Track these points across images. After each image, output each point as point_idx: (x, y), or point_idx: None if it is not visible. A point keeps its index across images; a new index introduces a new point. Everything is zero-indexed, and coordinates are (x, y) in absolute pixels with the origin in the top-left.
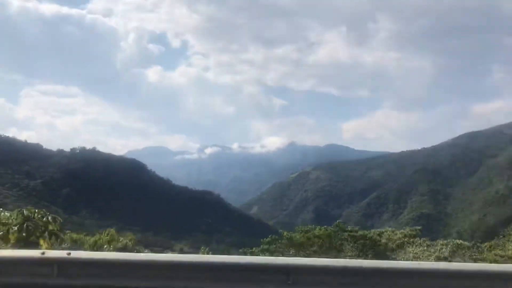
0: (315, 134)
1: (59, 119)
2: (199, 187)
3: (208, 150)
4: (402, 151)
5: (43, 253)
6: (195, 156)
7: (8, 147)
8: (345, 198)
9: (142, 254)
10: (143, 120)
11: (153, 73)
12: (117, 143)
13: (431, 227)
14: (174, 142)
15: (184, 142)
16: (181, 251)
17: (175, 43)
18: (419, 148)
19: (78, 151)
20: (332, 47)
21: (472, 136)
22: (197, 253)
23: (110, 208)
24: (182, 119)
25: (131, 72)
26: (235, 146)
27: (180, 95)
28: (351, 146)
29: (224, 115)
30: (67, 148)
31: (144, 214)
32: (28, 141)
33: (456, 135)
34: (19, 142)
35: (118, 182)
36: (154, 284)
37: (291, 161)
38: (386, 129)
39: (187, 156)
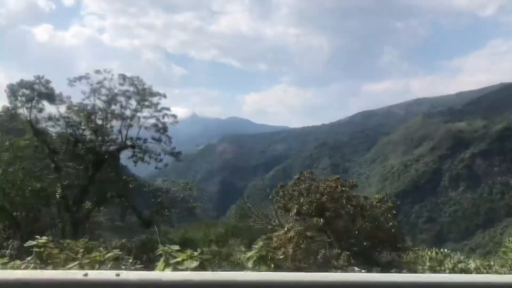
0: (216, 106)
1: None
2: None
3: None
4: (303, 127)
5: (85, 275)
6: None
7: None
8: (250, 170)
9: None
10: None
11: (42, 32)
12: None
13: None
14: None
15: None
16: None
17: (68, 1)
18: (319, 124)
19: None
20: (235, 18)
21: (366, 115)
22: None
23: None
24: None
25: (17, 29)
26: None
27: (71, 57)
28: (252, 120)
29: None
30: None
31: None
32: None
33: (352, 113)
34: None
35: None
36: None
37: (192, 132)
38: (284, 104)
39: None
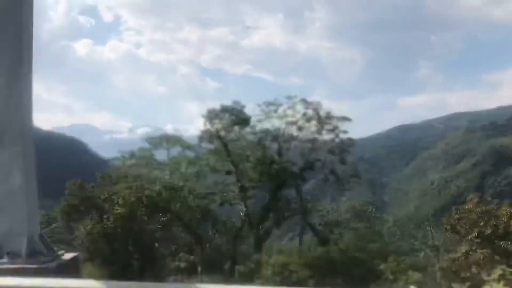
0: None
1: None
2: None
3: (140, 131)
4: None
5: None
6: (125, 136)
7: None
8: None
9: None
10: (68, 96)
11: (81, 47)
12: (38, 118)
13: (369, 214)
14: (101, 120)
15: (112, 121)
16: None
17: (107, 17)
18: (356, 138)
19: None
20: (268, 33)
21: (403, 129)
22: None
23: (50, 188)
24: (110, 97)
25: (58, 44)
26: (168, 127)
27: (109, 72)
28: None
29: (156, 95)
30: None
31: None
32: None
33: (388, 127)
34: None
35: (56, 160)
36: None
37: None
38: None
39: (116, 136)
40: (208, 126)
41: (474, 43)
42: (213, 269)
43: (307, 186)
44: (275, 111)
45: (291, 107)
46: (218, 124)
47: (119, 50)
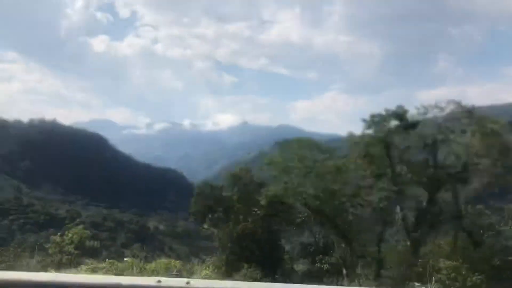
0: (265, 114)
1: None
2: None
3: (157, 126)
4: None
5: (159, 281)
6: (143, 131)
7: None
8: None
9: None
10: (86, 91)
11: (99, 43)
12: (58, 114)
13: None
14: (119, 116)
15: (130, 116)
16: (156, 230)
17: (124, 12)
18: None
19: (36, 122)
20: (285, 27)
21: (426, 123)
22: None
23: (73, 182)
24: (127, 92)
25: (76, 40)
26: (186, 122)
27: (126, 67)
28: (302, 127)
29: (173, 90)
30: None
31: (108, 190)
32: None
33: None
34: None
35: (80, 156)
36: None
37: (242, 140)
38: (335, 111)
39: (134, 131)
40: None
41: (495, 35)
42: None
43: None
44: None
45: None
46: (383, 128)
47: (136, 46)
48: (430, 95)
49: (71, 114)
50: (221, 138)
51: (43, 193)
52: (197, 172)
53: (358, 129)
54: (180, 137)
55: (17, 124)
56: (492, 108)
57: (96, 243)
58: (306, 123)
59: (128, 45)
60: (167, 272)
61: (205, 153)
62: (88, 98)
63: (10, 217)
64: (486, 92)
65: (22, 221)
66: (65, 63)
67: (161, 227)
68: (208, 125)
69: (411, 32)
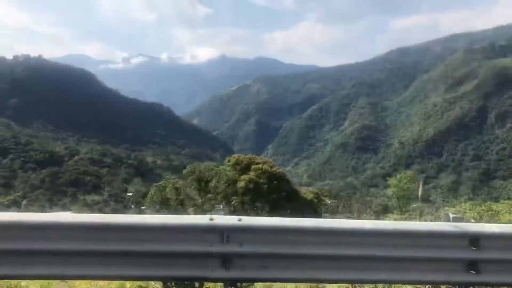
0: (242, 46)
1: None
2: None
3: (135, 60)
4: (337, 65)
5: (211, 219)
6: (121, 65)
7: None
8: (285, 110)
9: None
10: (56, 25)
11: None
12: (30, 50)
13: (373, 137)
14: (93, 50)
15: (106, 51)
16: (154, 164)
17: None
18: (353, 62)
19: (21, 59)
20: None
21: (401, 52)
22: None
23: (63, 119)
24: (99, 25)
25: None
26: (163, 56)
27: None
28: (280, 59)
29: (146, 22)
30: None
31: (98, 125)
32: None
33: (384, 50)
34: None
35: (67, 91)
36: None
37: (221, 73)
38: (311, 42)
39: (111, 66)
40: None
41: None
42: None
43: None
44: None
45: None
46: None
47: None
48: (405, 23)
49: (43, 49)
50: (199, 71)
51: (33, 130)
52: (177, 106)
53: (336, 59)
54: (158, 71)
55: (2, 61)
56: (470, 35)
57: None
58: (283, 55)
59: None
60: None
61: (184, 87)
62: (59, 32)
63: (10, 156)
64: (461, 18)
65: (22, 159)
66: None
67: (159, 161)
68: (186, 59)
69: None
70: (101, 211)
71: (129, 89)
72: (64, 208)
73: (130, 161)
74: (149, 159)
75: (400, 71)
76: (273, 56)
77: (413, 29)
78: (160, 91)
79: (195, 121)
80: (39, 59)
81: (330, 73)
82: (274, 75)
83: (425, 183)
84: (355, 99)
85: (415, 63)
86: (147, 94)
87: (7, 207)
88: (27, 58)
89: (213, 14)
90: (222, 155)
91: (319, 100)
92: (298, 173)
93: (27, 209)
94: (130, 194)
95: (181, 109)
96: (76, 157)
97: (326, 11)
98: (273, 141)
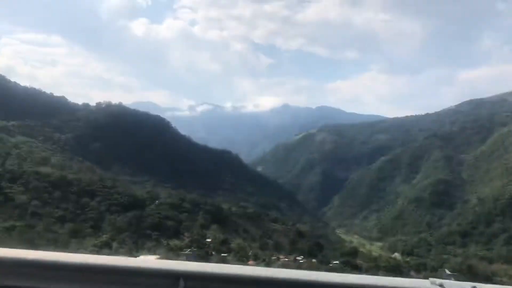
0: (304, 95)
1: (39, 70)
2: None
3: (200, 108)
4: (406, 116)
5: (440, 285)
6: (186, 113)
7: (34, 99)
8: (352, 161)
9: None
10: (127, 74)
11: (138, 26)
12: (101, 97)
13: (449, 192)
14: (160, 98)
15: (171, 99)
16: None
17: None
18: (421, 113)
19: (104, 106)
20: (323, 5)
21: (475, 104)
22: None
23: (141, 164)
24: (167, 75)
25: (116, 24)
26: (227, 105)
27: (165, 50)
28: (342, 108)
29: (211, 72)
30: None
31: (171, 170)
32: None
33: (453, 102)
34: (45, 94)
35: (145, 138)
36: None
37: (283, 122)
38: (374, 92)
39: (177, 113)
40: None
41: None
42: None
43: None
44: None
45: None
46: None
47: (174, 28)
48: (472, 74)
49: (114, 96)
50: (262, 119)
51: (114, 174)
52: (240, 153)
53: (399, 110)
54: (222, 119)
55: (86, 108)
56: None
57: None
58: (345, 104)
59: (166, 28)
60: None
61: (247, 135)
62: (129, 81)
63: (97, 199)
64: None
65: (108, 202)
66: (107, 47)
67: (234, 208)
68: (249, 107)
69: (454, 9)
70: (187, 258)
71: (194, 136)
72: (150, 251)
73: (207, 207)
74: (225, 206)
75: (475, 124)
76: (335, 105)
77: (483, 80)
78: (223, 138)
79: (259, 169)
80: (120, 106)
81: (398, 124)
82: (339, 124)
83: (507, 243)
84: (427, 152)
85: (491, 115)
86: (211, 140)
87: (99, 248)
88: (108, 105)
89: (275, 64)
90: (288, 205)
91: (387, 151)
92: (367, 227)
93: (117, 251)
94: (209, 240)
95: (243, 156)
96: (157, 201)
97: (389, 62)
98: (339, 192)
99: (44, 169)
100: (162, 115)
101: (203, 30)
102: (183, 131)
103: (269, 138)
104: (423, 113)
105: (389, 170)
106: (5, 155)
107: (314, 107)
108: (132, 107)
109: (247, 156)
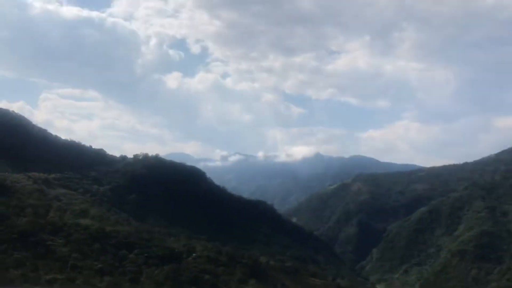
0: (335, 144)
1: (76, 123)
2: None
3: (232, 158)
4: (443, 165)
5: None
6: (218, 163)
7: (74, 152)
8: (389, 212)
9: None
10: (160, 126)
11: (172, 79)
12: (134, 149)
13: (495, 245)
14: (192, 149)
15: (204, 150)
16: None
17: (195, 49)
18: (459, 162)
19: (141, 157)
20: (353, 56)
21: None
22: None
23: (176, 215)
24: (199, 126)
25: (150, 78)
26: (259, 154)
27: (198, 102)
28: (375, 158)
29: (243, 122)
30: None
31: (206, 222)
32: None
33: (492, 150)
34: (84, 147)
35: (180, 189)
36: None
37: (315, 171)
38: (408, 140)
39: (209, 164)
40: None
41: None
42: None
43: None
44: None
45: None
46: None
47: (206, 81)
48: (509, 121)
49: (147, 148)
50: (294, 169)
51: (148, 225)
52: (274, 202)
53: (434, 159)
54: (254, 168)
55: (123, 160)
56: None
57: None
58: (378, 153)
59: (199, 80)
60: None
61: (279, 184)
62: (162, 133)
63: (135, 251)
64: None
65: (146, 255)
66: (140, 100)
67: (271, 262)
68: (281, 157)
69: (488, 57)
70: None
71: (226, 186)
72: None
73: (243, 261)
74: (262, 259)
75: None
76: (368, 154)
77: None
78: (255, 188)
79: (293, 220)
80: (156, 157)
81: (436, 173)
82: (374, 174)
83: None
84: (468, 202)
85: None
86: (243, 190)
87: None
88: (145, 156)
89: (307, 114)
90: (325, 258)
91: (426, 202)
92: (408, 282)
93: None
94: None
95: (276, 206)
96: (194, 254)
97: (422, 110)
98: (377, 244)
99: (84, 221)
100: (195, 165)
101: (234, 82)
102: (215, 181)
103: (301, 187)
104: (461, 162)
105: (429, 221)
106: (46, 207)
107: (347, 156)
108: (166, 158)
109: (279, 206)
